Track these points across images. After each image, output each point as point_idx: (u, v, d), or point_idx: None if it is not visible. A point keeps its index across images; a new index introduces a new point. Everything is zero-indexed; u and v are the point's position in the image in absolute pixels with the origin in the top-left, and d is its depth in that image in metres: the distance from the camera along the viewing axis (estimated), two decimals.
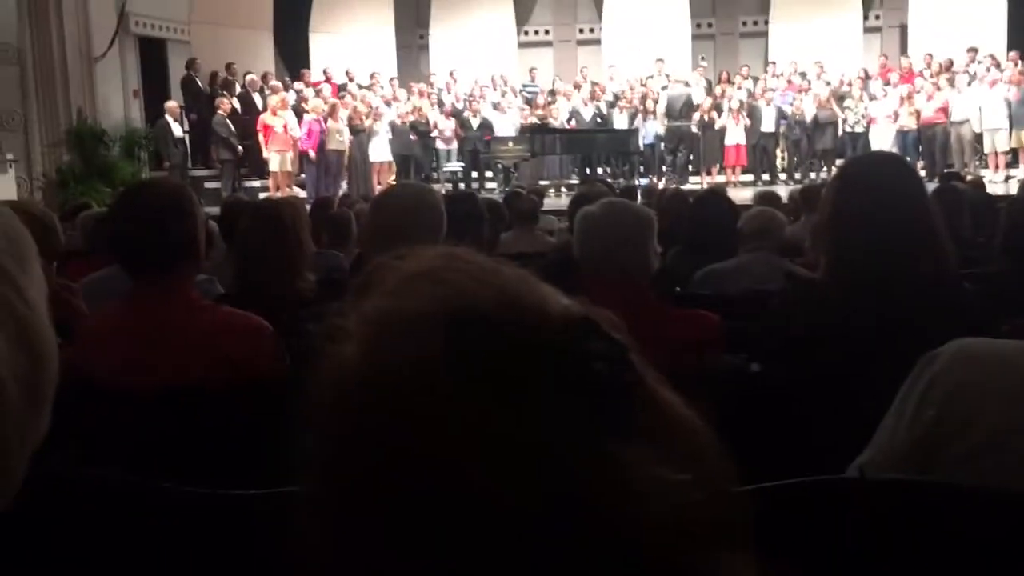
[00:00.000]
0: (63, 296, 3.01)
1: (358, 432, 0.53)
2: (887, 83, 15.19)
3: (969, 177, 10.12)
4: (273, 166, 13.77)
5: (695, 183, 14.12)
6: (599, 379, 0.51)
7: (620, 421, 0.51)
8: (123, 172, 12.91)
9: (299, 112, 14.34)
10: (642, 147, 14.98)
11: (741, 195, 9.61)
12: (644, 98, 15.34)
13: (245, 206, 4.35)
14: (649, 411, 0.53)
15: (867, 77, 15.54)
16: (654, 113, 15.08)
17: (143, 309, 2.13)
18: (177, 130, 13.86)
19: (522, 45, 18.59)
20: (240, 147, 14.07)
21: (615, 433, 0.51)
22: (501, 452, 0.50)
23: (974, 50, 15.15)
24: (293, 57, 17.31)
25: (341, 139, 14.04)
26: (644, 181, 13.62)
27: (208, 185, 13.84)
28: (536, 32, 19.27)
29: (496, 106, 15.45)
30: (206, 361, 2.06)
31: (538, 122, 14.94)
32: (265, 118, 13.95)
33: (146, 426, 1.95)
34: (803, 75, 15.85)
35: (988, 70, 14.21)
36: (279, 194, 12.62)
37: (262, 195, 12.27)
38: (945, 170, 12.46)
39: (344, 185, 14.09)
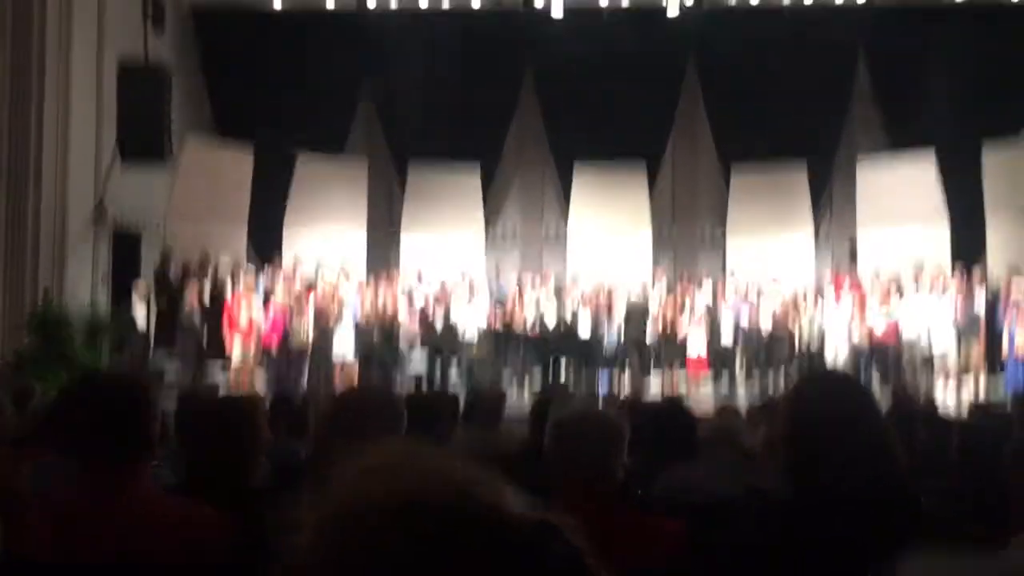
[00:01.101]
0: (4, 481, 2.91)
1: None
2: (839, 295, 15.67)
3: (921, 396, 10.32)
4: (235, 357, 13.71)
5: (656, 390, 14.25)
6: None
7: None
8: (83, 359, 12.77)
9: (266, 303, 14.44)
10: (605, 353, 15.20)
11: (702, 405, 9.70)
12: (608, 305, 15.66)
13: (202, 399, 4.31)
14: None
15: (820, 289, 16.07)
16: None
17: (91, 498, 2.07)
18: (141, 318, 13.86)
19: (490, 243, 19.11)
20: (204, 336, 14.04)
21: None
22: None
23: (920, 267, 15.75)
24: (266, 248, 17.60)
25: (305, 336, 14.09)
26: (604, 386, 13.73)
27: (168, 376, 13.68)
28: (503, 231, 19.87)
29: (462, 308, 15.66)
30: (152, 551, 1.98)
31: (503, 327, 15.15)
32: (231, 310, 14.01)
33: None
34: (759, 292, 16.35)
35: (934, 286, 14.73)
36: (239, 388, 12.51)
37: (221, 388, 12.13)
38: (898, 388, 12.69)
39: (305, 380, 14.01)
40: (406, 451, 0.58)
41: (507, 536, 0.52)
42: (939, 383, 14.16)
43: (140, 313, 13.87)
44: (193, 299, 14.05)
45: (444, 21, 17.98)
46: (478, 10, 17.85)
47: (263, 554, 1.92)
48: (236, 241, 16.94)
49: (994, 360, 14.37)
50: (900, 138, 18.02)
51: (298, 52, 17.83)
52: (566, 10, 17.30)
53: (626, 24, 17.73)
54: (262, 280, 15.33)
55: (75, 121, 14.44)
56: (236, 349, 13.71)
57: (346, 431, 2.34)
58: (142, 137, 12.67)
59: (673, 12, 16.90)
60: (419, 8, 17.81)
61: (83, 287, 14.31)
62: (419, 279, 16.82)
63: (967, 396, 13.50)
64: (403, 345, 15.24)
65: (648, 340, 15.25)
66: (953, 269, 15.55)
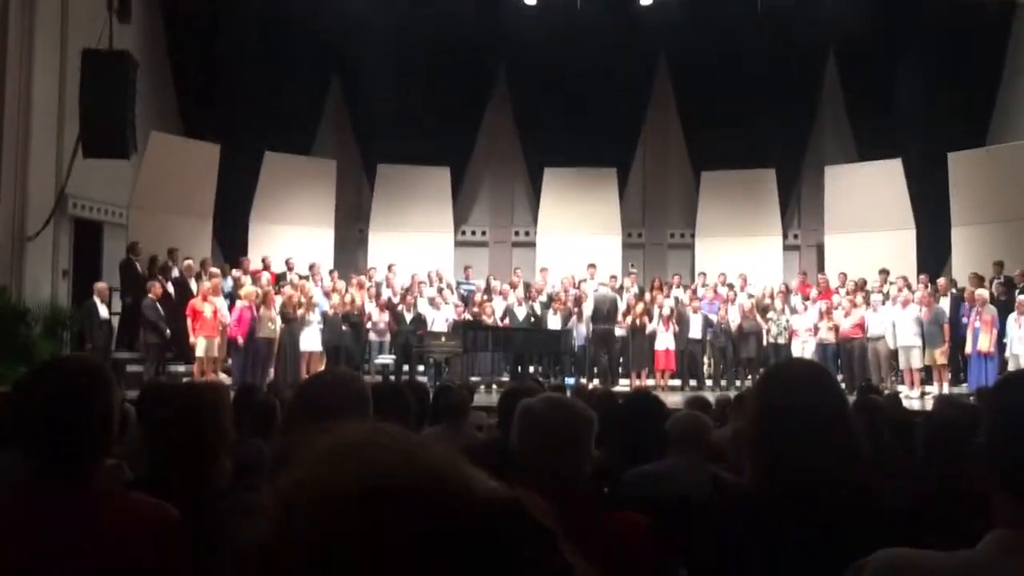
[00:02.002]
0: None
1: None
2: (807, 298, 15.91)
3: (886, 392, 10.43)
4: (199, 351, 13.56)
5: (624, 385, 14.31)
6: (527, 567, 0.48)
7: None
8: (43, 351, 12.58)
9: (235, 299, 14.32)
10: (575, 348, 15.22)
11: (670, 399, 9.73)
12: (577, 300, 15.76)
13: (165, 389, 4.23)
14: None
15: (788, 291, 16.31)
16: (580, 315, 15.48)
17: (41, 494, 2.00)
18: (104, 312, 13.67)
19: (459, 244, 19.16)
20: (168, 331, 13.89)
21: None
22: None
23: (885, 272, 16.09)
24: (231, 245, 17.49)
25: (272, 327, 13.97)
26: (571, 381, 13.75)
27: (131, 368, 13.53)
28: (473, 232, 19.95)
29: (431, 301, 15.67)
30: (104, 552, 1.92)
31: (471, 319, 15.13)
32: (195, 303, 13.86)
33: None
34: (730, 286, 16.57)
35: (900, 291, 14.99)
36: (203, 379, 12.36)
37: (185, 380, 12.00)
38: (863, 383, 12.84)
39: (271, 373, 13.90)
40: (371, 432, 0.56)
41: (476, 518, 0.49)
42: (904, 384, 14.34)
43: (103, 309, 13.66)
44: (157, 292, 13.87)
45: (415, 18, 17.92)
46: (450, 5, 17.79)
47: (224, 552, 1.87)
48: (201, 236, 16.79)
49: (957, 365, 14.60)
50: (868, 147, 18.33)
51: (266, 49, 17.69)
52: (539, 5, 17.35)
53: (599, 14, 17.78)
54: (229, 281, 15.22)
55: (37, 111, 14.23)
56: (200, 343, 13.55)
57: (311, 416, 2.29)
58: (105, 132, 12.41)
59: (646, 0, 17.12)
60: (390, 4, 17.71)
61: (43, 283, 14.10)
62: (389, 273, 16.79)
63: (932, 393, 13.70)
64: (372, 337, 15.21)
65: (617, 333, 15.28)
66: (919, 275, 15.83)
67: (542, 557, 0.50)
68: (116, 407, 2.12)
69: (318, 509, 0.50)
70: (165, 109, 17.54)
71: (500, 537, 0.49)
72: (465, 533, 0.49)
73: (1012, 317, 13.45)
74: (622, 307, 15.44)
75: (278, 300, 14.27)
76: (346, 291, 15.54)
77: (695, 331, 15.36)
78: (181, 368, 14.19)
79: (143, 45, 15.97)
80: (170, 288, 14.63)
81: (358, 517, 0.49)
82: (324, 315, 14.79)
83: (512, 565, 0.49)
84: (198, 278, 15.09)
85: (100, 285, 13.94)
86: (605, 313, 15.09)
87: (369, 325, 15.24)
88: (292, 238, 17.54)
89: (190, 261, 15.39)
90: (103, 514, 2.00)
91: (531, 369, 15.10)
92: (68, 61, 14.19)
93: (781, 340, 15.03)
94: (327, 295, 15.30)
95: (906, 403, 10.25)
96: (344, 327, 14.98)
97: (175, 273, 15.22)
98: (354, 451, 0.53)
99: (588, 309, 15.36)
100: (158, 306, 13.84)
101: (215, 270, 15.14)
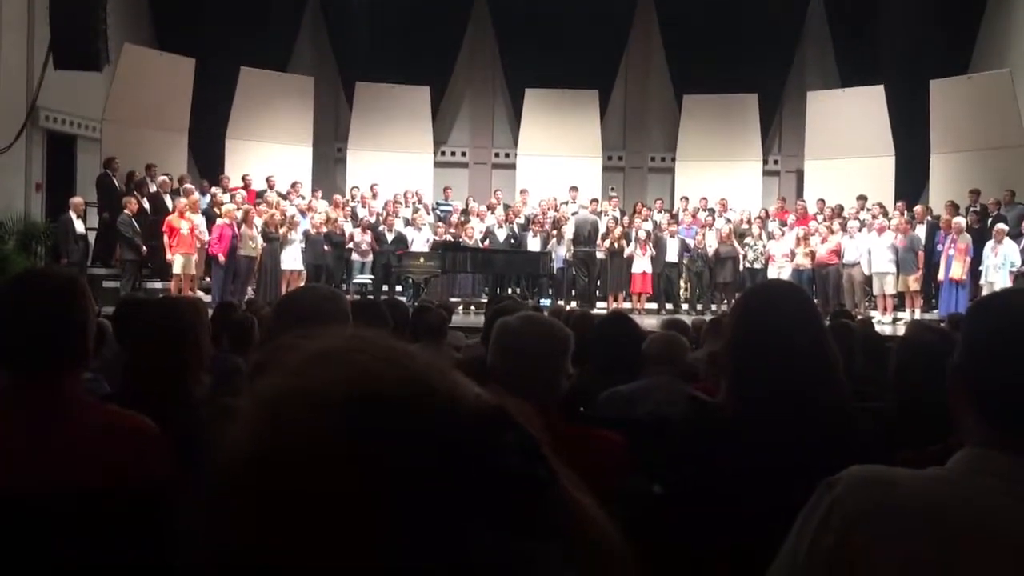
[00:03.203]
0: None
1: (245, 516, 0.48)
2: (784, 224, 15.97)
3: (859, 317, 10.56)
4: (176, 268, 13.46)
5: (601, 308, 14.40)
6: (511, 473, 0.48)
7: (531, 518, 0.48)
8: (17, 266, 12.45)
9: (213, 216, 14.18)
10: (554, 270, 15.26)
11: (647, 322, 9.82)
12: (556, 223, 15.73)
13: (141, 304, 4.20)
14: (560, 510, 0.50)
15: (766, 217, 16.36)
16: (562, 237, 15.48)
17: (18, 405, 1.99)
18: (80, 227, 13.51)
19: (438, 164, 18.99)
20: (144, 248, 13.76)
21: (524, 530, 0.48)
22: (397, 542, 0.46)
23: (863, 198, 16.17)
24: (207, 161, 17.25)
25: (254, 245, 13.87)
26: (547, 302, 13.80)
27: (107, 284, 13.44)
28: (453, 153, 19.77)
29: (410, 221, 15.60)
30: (84, 462, 1.93)
31: (451, 239, 15.10)
32: (172, 220, 13.70)
33: (19, 533, 1.80)
34: (710, 211, 16.59)
35: (875, 217, 15.07)
36: (181, 295, 12.32)
37: (162, 295, 11.95)
38: (837, 308, 12.99)
39: (251, 291, 13.86)
40: (355, 337, 0.55)
41: (462, 423, 0.49)
42: (877, 310, 14.52)
43: (79, 224, 13.49)
44: (133, 207, 13.70)
45: None
46: None
47: (203, 459, 1.88)
48: (177, 152, 16.54)
49: (930, 291, 14.78)
50: (851, 73, 18.21)
51: None
52: None
53: None
54: (207, 198, 15.05)
55: (6, 21, 13.80)
56: (177, 260, 13.44)
57: (289, 329, 2.28)
58: (77, 43, 12.07)
59: None
60: None
61: (16, 196, 13.89)
62: (371, 194, 16.69)
63: (904, 319, 13.89)
64: (355, 258, 15.18)
65: (598, 255, 15.31)
66: (896, 203, 15.90)
67: (527, 462, 0.50)
68: (91, 318, 2.11)
69: (299, 415, 0.49)
70: (138, 21, 17.07)
71: (486, 442, 0.49)
72: (451, 438, 0.49)
73: (988, 245, 13.57)
74: (602, 230, 15.43)
75: (259, 219, 14.14)
76: (324, 211, 15.42)
77: (672, 255, 15.42)
78: (158, 285, 14.11)
79: None
80: (146, 204, 14.45)
81: (343, 421, 0.48)
82: (306, 234, 14.70)
83: (497, 469, 0.49)
84: (174, 194, 14.90)
85: (76, 200, 13.74)
86: (586, 236, 15.09)
87: (351, 245, 15.18)
88: (269, 155, 17.31)
89: (165, 177, 15.18)
90: (81, 421, 2.00)
91: (509, 291, 15.13)
92: None
93: (758, 265, 15.13)
94: (303, 213, 15.18)
95: (878, 328, 10.39)
96: (326, 247, 14.91)
97: (151, 189, 15.01)
98: (338, 355, 0.52)
99: (569, 231, 15.34)
100: (134, 222, 13.69)
101: (190, 187, 14.94)
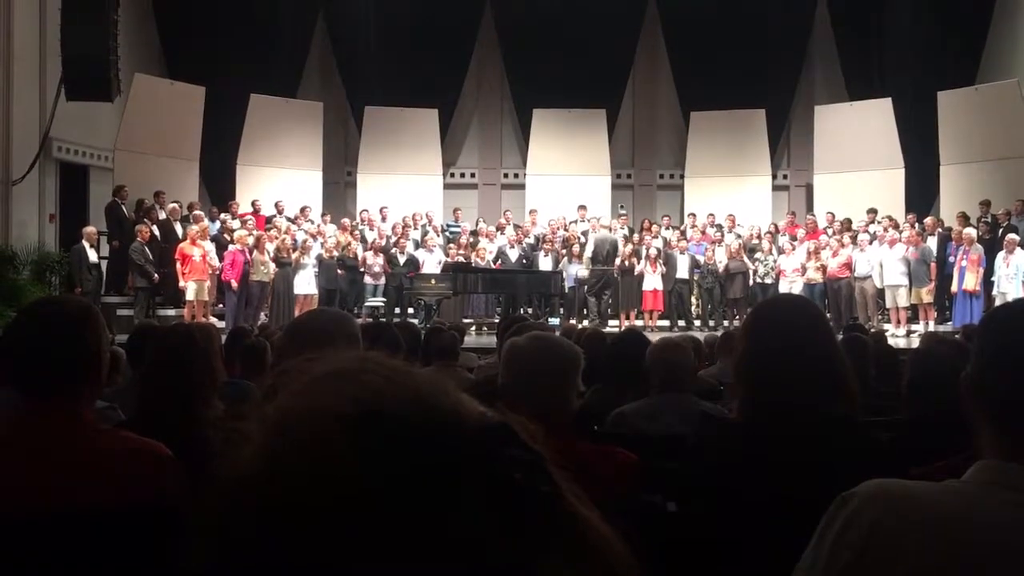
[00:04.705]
0: None
1: (252, 536, 0.48)
2: (794, 238, 15.93)
3: (872, 330, 10.51)
4: (190, 295, 13.51)
5: (614, 326, 14.36)
6: (516, 488, 0.48)
7: (536, 533, 0.48)
8: (31, 296, 12.52)
9: (223, 243, 14.24)
10: (565, 290, 15.25)
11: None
12: (567, 242, 15.73)
13: (155, 331, 4.22)
14: (566, 525, 0.50)
15: (776, 232, 16.33)
16: (579, 257, 15.44)
17: (32, 430, 2.00)
18: (92, 256, 13.58)
19: (448, 186, 19.05)
20: (156, 275, 13.83)
21: (529, 546, 0.48)
22: (403, 560, 0.46)
23: (874, 211, 16.12)
24: (219, 188, 17.36)
25: (266, 271, 13.92)
26: (555, 321, 13.76)
27: (121, 312, 13.50)
28: (463, 174, 19.85)
29: (421, 243, 15.63)
30: (97, 486, 1.94)
31: (462, 261, 15.11)
32: (184, 247, 13.77)
33: (34, 555, 1.81)
34: (718, 227, 16.57)
35: (886, 230, 15.02)
36: (194, 321, 12.34)
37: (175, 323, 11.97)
38: (850, 322, 12.94)
39: (264, 317, 13.89)
40: (360, 359, 0.55)
41: (465, 441, 0.49)
42: (890, 323, 14.44)
43: (92, 253, 13.58)
44: (144, 235, 13.78)
45: None
46: None
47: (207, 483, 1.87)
48: (188, 179, 16.66)
49: (943, 303, 14.70)
50: (858, 86, 18.23)
51: None
52: None
53: None
54: (216, 224, 15.14)
55: (18, 54, 13.98)
56: (191, 286, 13.50)
57: (299, 352, 2.29)
58: (88, 74, 12.20)
59: None
60: None
61: (31, 227, 13.99)
62: (381, 217, 16.74)
63: (918, 331, 13.81)
64: (368, 281, 15.22)
65: (615, 274, 15.30)
66: (906, 215, 15.86)
67: (532, 480, 0.50)
68: (105, 346, 2.13)
69: (305, 434, 0.49)
70: (149, 51, 17.27)
71: (489, 456, 0.49)
72: (454, 453, 0.49)
73: (1000, 256, 13.51)
74: (621, 249, 15.44)
75: (270, 245, 14.19)
76: (333, 235, 15.46)
77: (683, 271, 15.39)
78: (171, 312, 14.17)
79: None
80: (156, 231, 14.53)
81: (347, 439, 0.48)
82: (319, 258, 14.74)
83: (502, 489, 0.49)
84: (184, 221, 14.98)
85: (89, 229, 13.83)
86: (605, 254, 15.09)
87: (363, 268, 15.22)
88: (280, 181, 17.42)
89: (175, 205, 15.27)
90: (95, 446, 2.01)
91: (521, 311, 15.11)
92: (48, 1, 13.89)
93: (768, 280, 15.08)
94: (313, 238, 15.23)
95: (892, 341, 10.34)
96: (340, 271, 14.94)
97: (161, 216, 15.11)
98: (343, 375, 0.53)
99: (588, 250, 15.34)
100: (146, 249, 13.76)
101: (199, 213, 15.02)
